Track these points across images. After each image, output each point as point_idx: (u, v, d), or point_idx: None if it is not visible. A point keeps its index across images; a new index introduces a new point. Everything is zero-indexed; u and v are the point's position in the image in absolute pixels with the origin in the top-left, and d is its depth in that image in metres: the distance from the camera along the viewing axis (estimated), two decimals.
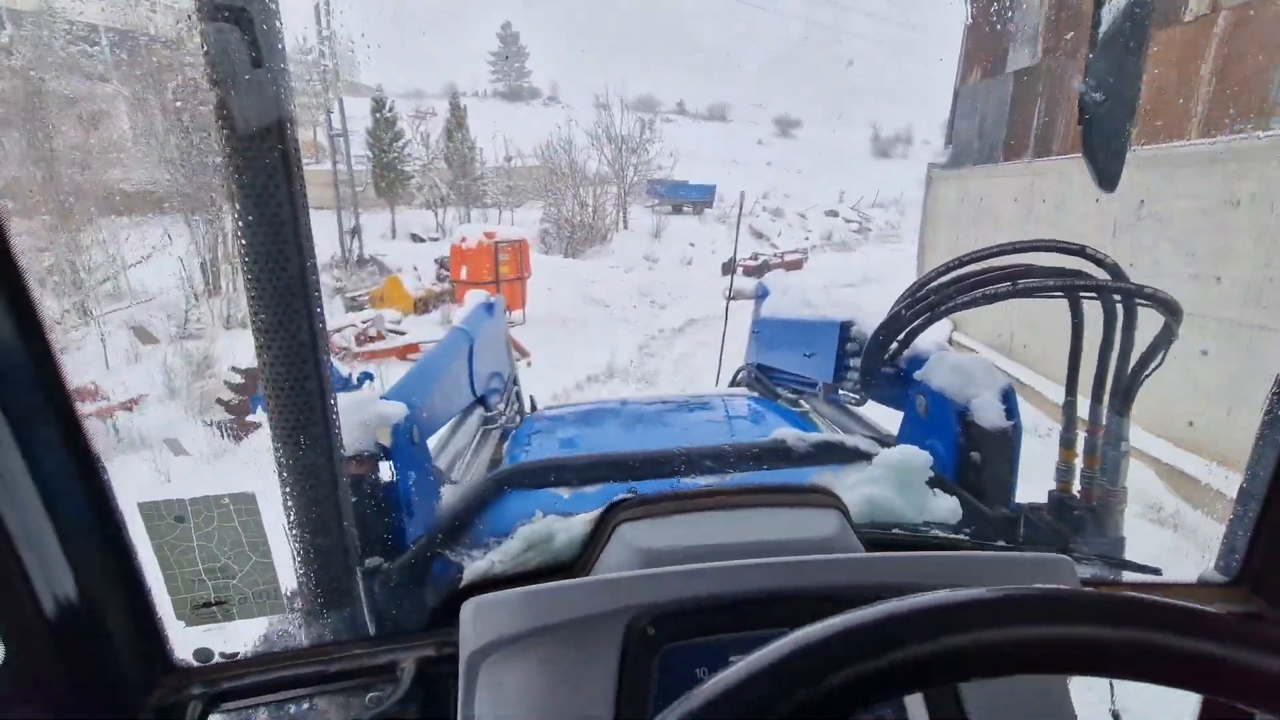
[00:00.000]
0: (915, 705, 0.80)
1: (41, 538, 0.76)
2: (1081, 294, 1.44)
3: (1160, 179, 6.63)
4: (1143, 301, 1.40)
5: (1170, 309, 1.38)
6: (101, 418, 7.02)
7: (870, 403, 2.02)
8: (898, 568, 0.87)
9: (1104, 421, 1.48)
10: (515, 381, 3.31)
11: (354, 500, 1.03)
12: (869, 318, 1.98)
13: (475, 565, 1.00)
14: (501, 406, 2.81)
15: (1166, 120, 7.12)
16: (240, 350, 8.97)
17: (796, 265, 22.80)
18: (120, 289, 11.66)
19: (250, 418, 7.37)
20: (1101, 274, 1.48)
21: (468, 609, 0.82)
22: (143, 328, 10.06)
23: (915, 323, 1.65)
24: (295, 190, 0.93)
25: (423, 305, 14.18)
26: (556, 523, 1.02)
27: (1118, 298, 1.42)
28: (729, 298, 7.50)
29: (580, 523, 1.01)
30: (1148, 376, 1.46)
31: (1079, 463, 1.50)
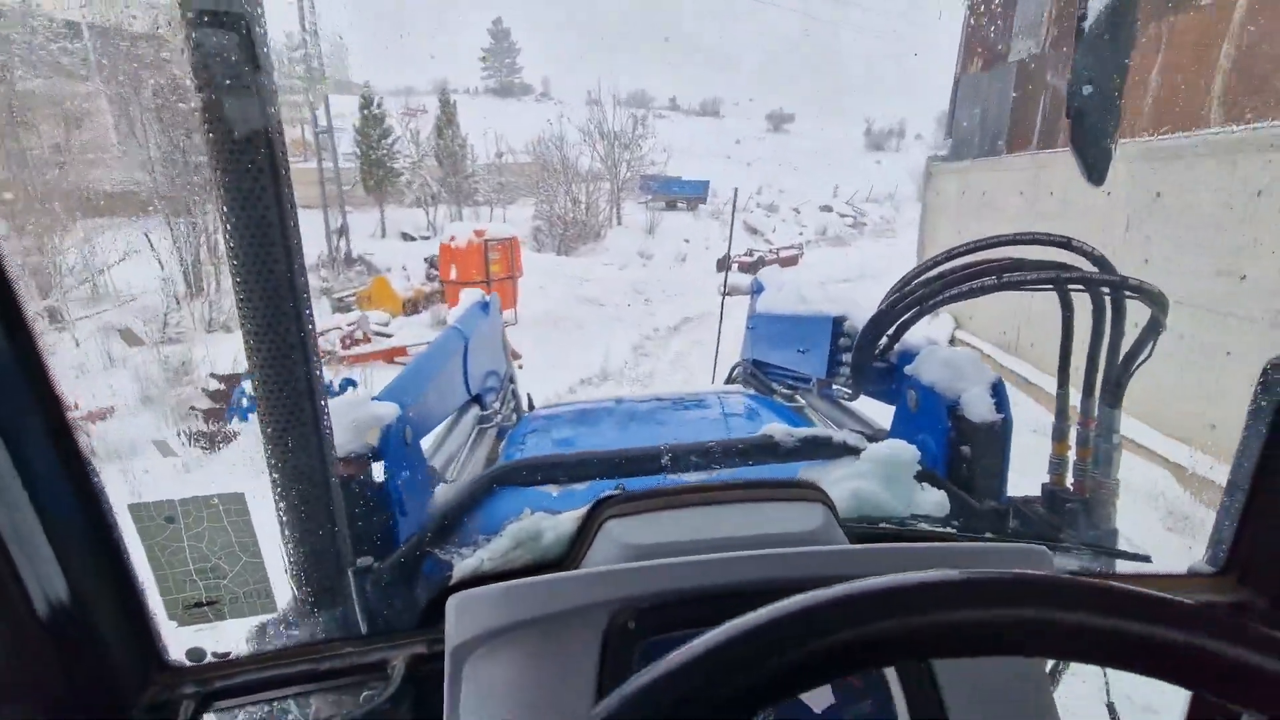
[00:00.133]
0: (894, 691, 0.82)
1: (32, 539, 0.79)
2: (1068, 286, 1.47)
3: (1178, 170, 6.46)
4: (1130, 293, 1.43)
5: (1156, 301, 1.42)
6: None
7: (866, 397, 2.05)
8: (878, 560, 0.90)
9: (1095, 414, 1.51)
10: (512, 380, 3.34)
11: (346, 500, 1.06)
12: (862, 313, 2.02)
13: (464, 563, 1.03)
14: (498, 405, 2.84)
15: (1184, 109, 6.96)
16: (221, 355, 8.90)
17: (792, 261, 22.85)
18: (99, 292, 11.62)
19: (229, 427, 7.30)
20: (1090, 266, 1.52)
21: (452, 604, 0.85)
22: (129, 330, 10.01)
23: (904, 317, 1.69)
24: (283, 192, 0.95)
25: (412, 306, 14.13)
26: (544, 520, 1.05)
27: (1105, 290, 1.45)
28: (724, 294, 7.55)
29: (568, 520, 1.04)
30: (1137, 368, 1.49)
31: (1072, 455, 1.54)
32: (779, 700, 0.39)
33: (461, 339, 2.35)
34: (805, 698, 0.84)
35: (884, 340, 1.78)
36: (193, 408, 7.68)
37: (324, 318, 11.78)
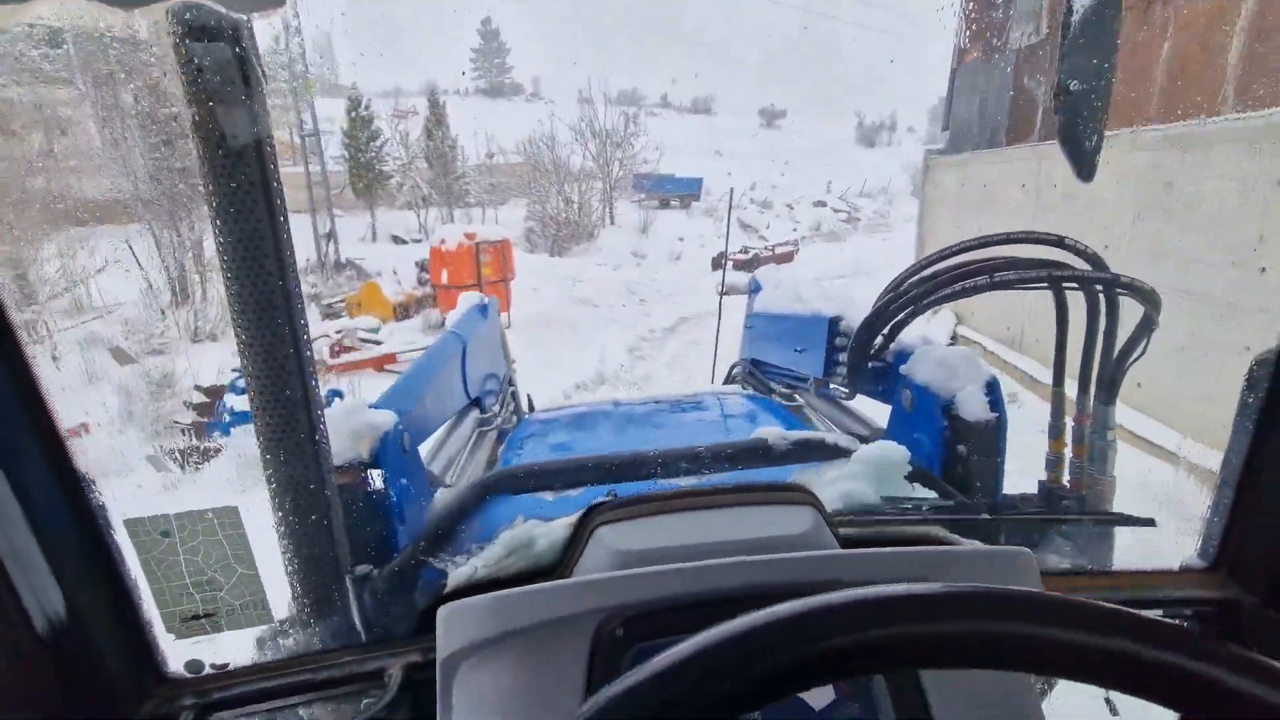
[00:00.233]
0: (881, 697, 0.84)
1: (29, 555, 0.81)
2: (1061, 285, 1.50)
3: (1191, 159, 6.30)
4: (1123, 291, 1.46)
5: (1148, 298, 1.45)
6: None
7: (864, 396, 2.08)
8: (864, 564, 0.91)
9: (1091, 411, 1.54)
10: (512, 382, 3.38)
11: (344, 508, 1.08)
12: (858, 311, 2.04)
13: (458, 571, 1.05)
14: (497, 408, 2.87)
15: (1195, 96, 6.83)
16: (206, 365, 8.83)
17: (787, 258, 22.91)
18: (80, 302, 11.56)
19: (209, 442, 7.13)
20: (1083, 264, 1.54)
21: (441, 615, 0.87)
22: (119, 348, 9.96)
23: (898, 317, 1.71)
24: (274, 202, 0.98)
25: (403, 311, 14.12)
26: (537, 527, 1.07)
27: (1099, 288, 1.48)
28: (722, 293, 7.59)
29: (560, 527, 1.06)
30: (1131, 365, 1.52)
31: (1068, 452, 1.56)
32: (761, 705, 0.41)
33: (460, 343, 2.38)
34: (804, 695, 0.86)
35: (879, 340, 1.81)
36: (174, 422, 7.54)
37: (312, 325, 11.56)
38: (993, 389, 1.51)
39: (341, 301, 14.29)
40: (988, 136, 11.65)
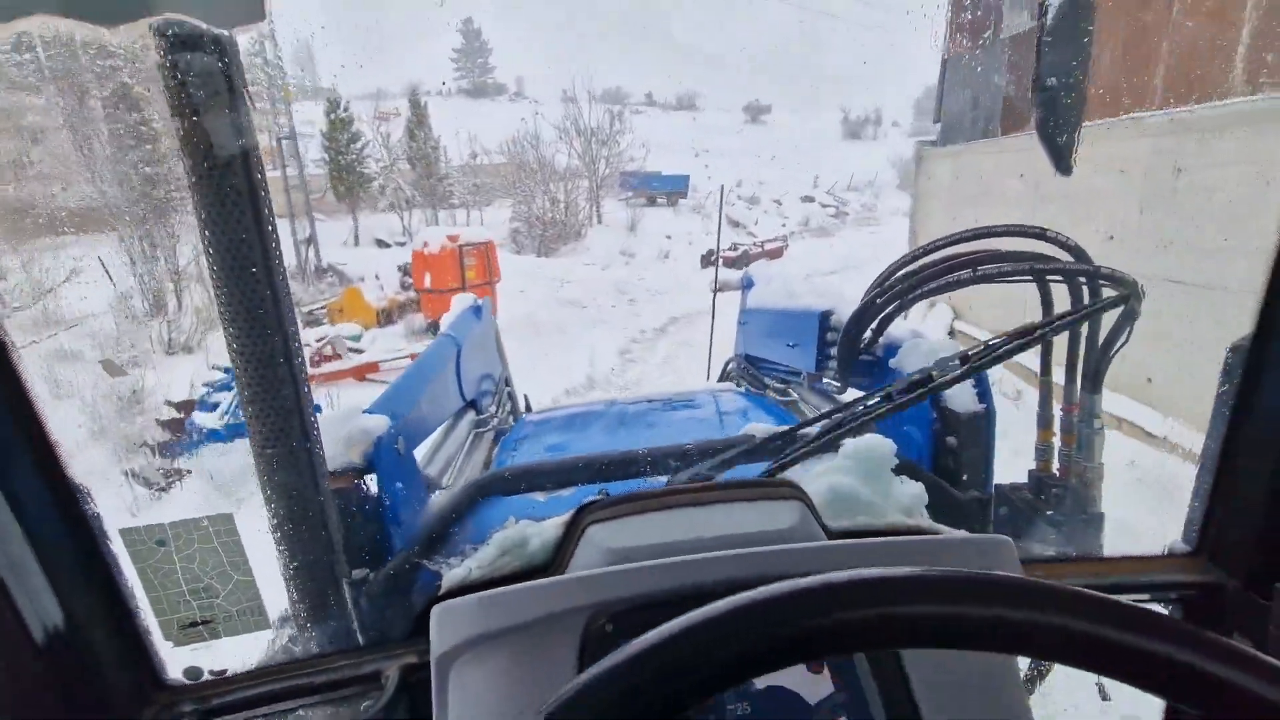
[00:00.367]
0: (864, 677, 0.89)
1: (25, 565, 0.84)
2: (1045, 277, 1.55)
3: (1200, 143, 6.18)
4: (1104, 282, 1.51)
5: (1128, 288, 1.50)
6: None
7: (855, 391, 2.13)
8: (847, 555, 0.96)
9: (1077, 400, 1.59)
10: (508, 383, 3.42)
11: (339, 513, 1.11)
12: (848, 306, 2.09)
13: (453, 573, 1.09)
14: (494, 409, 2.92)
15: (1203, 78, 6.69)
16: (179, 379, 8.69)
17: (777, 254, 23.11)
18: (49, 315, 11.44)
19: (178, 462, 6.95)
20: (1066, 256, 1.60)
21: (435, 615, 0.90)
22: (110, 360, 9.84)
23: (886, 310, 1.76)
24: (261, 211, 1.01)
25: (386, 317, 14.08)
26: (530, 527, 1.11)
27: (1081, 279, 1.53)
28: (715, 290, 7.67)
29: (552, 526, 1.10)
30: (1115, 354, 1.58)
31: (1057, 442, 1.62)
32: (716, 692, 0.45)
33: (454, 345, 2.42)
34: (796, 688, 0.90)
35: (868, 334, 1.85)
36: (143, 442, 7.32)
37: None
38: (980, 381, 1.56)
39: (323, 308, 14.23)
40: (981, 126, 11.59)
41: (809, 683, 0.90)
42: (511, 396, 3.45)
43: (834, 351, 2.15)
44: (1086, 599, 0.45)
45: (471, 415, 2.65)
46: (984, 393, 1.56)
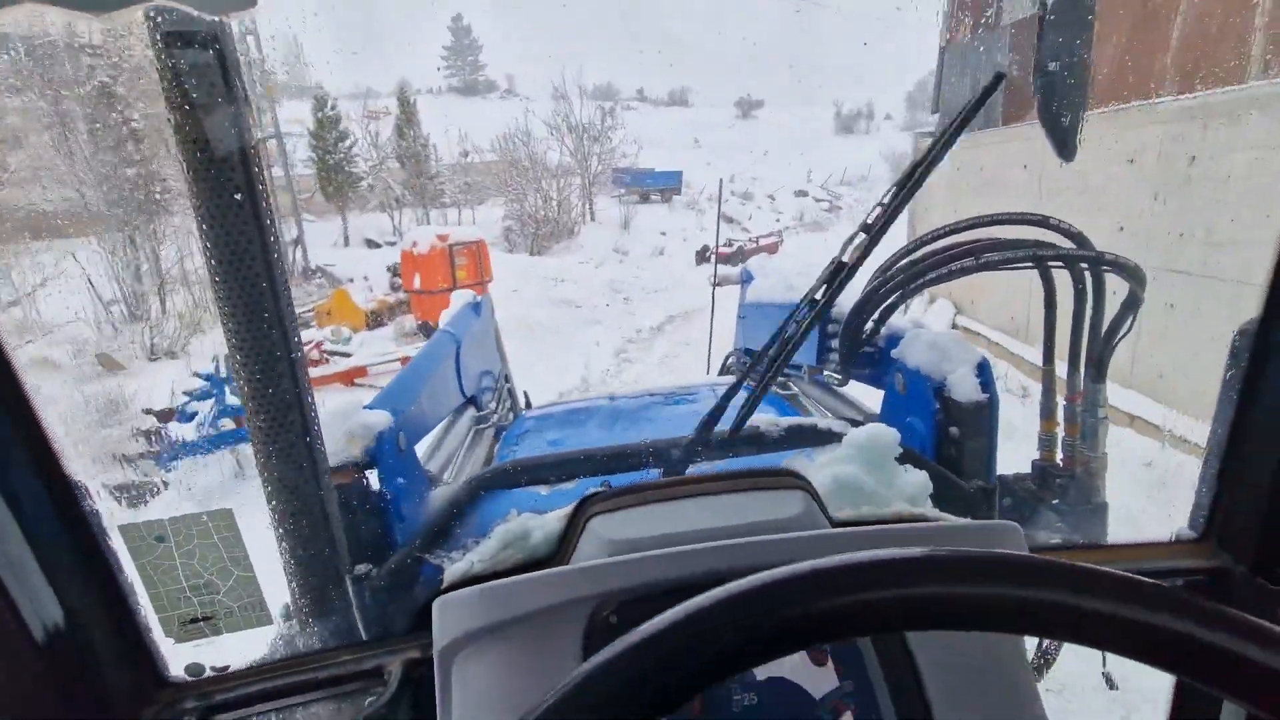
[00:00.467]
0: (871, 665, 0.90)
1: (24, 564, 0.85)
2: (1046, 264, 1.57)
3: (1216, 130, 6.03)
4: (1107, 268, 1.53)
5: (1133, 275, 1.52)
6: None
7: (858, 382, 2.15)
8: (854, 542, 0.97)
9: (1081, 389, 1.61)
10: (508, 379, 3.45)
11: (341, 509, 1.13)
12: (849, 299, 2.11)
13: (455, 567, 1.10)
14: (494, 405, 2.95)
15: (1218, 63, 6.59)
16: (161, 386, 8.56)
17: (772, 249, 23.23)
18: (29, 321, 11.34)
19: (157, 476, 6.71)
20: (1068, 243, 1.61)
21: (437, 607, 0.92)
22: (106, 354, 9.74)
23: (888, 301, 1.78)
24: (260, 207, 1.03)
25: (375, 319, 14.04)
26: (532, 520, 1.12)
27: (1084, 266, 1.54)
28: (714, 284, 7.73)
29: (555, 519, 1.12)
30: (1119, 342, 1.59)
31: (1060, 431, 1.63)
32: (706, 686, 0.45)
33: (454, 342, 2.45)
34: (800, 679, 0.91)
35: (869, 325, 1.87)
36: (121, 456, 7.08)
37: None
38: (984, 370, 1.58)
39: (310, 311, 14.18)
40: (982, 116, 11.51)
41: (813, 675, 0.91)
42: (511, 393, 3.48)
43: (835, 344, 2.17)
44: (1120, 579, 0.46)
45: (472, 411, 2.68)
46: (986, 382, 1.58)
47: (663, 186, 34.63)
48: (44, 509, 0.88)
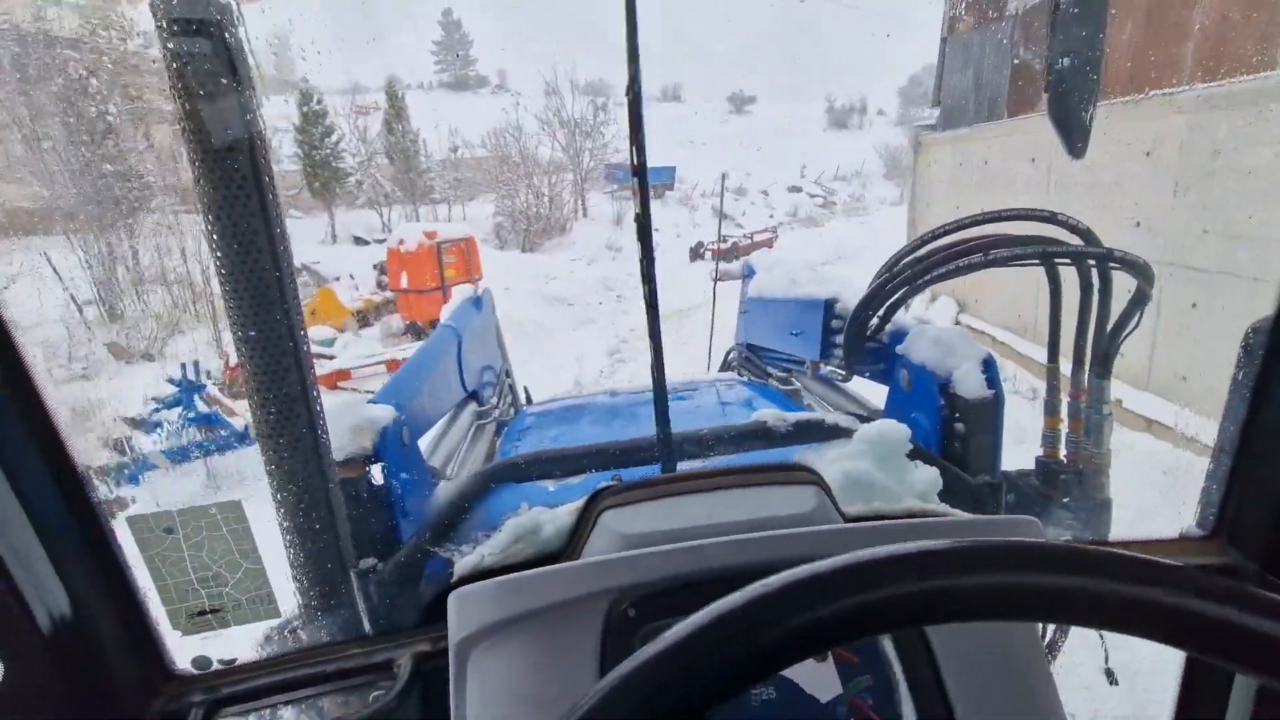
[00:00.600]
0: (890, 657, 0.92)
1: (31, 556, 0.87)
2: (1054, 260, 1.59)
3: (1242, 121, 5.88)
4: (1115, 265, 1.56)
5: (1141, 271, 1.55)
6: None
7: (860, 378, 2.18)
8: (872, 537, 0.99)
9: (1085, 386, 1.64)
10: (509, 374, 3.49)
11: (346, 503, 1.15)
12: (853, 294, 2.14)
13: (465, 560, 1.12)
14: (495, 400, 3.00)
15: (1242, 49, 6.42)
16: (138, 390, 8.40)
17: (766, 245, 23.29)
18: None
19: (117, 492, 6.46)
20: (1076, 240, 1.64)
21: (453, 600, 0.94)
22: (116, 343, 9.62)
23: (894, 298, 1.81)
24: (267, 197, 1.05)
25: (361, 319, 14.00)
26: (543, 514, 1.15)
27: (1091, 263, 1.57)
28: (715, 279, 7.80)
29: (566, 513, 1.14)
30: (1125, 338, 1.62)
31: (1064, 428, 1.66)
32: (751, 686, 0.46)
33: (455, 336, 2.48)
34: (818, 674, 0.93)
35: (874, 321, 1.90)
36: (86, 467, 6.88)
37: None
38: (989, 366, 1.62)
39: None
40: (986, 109, 11.48)
41: (831, 669, 0.93)
42: (512, 388, 3.53)
43: (839, 339, 2.20)
44: (1167, 566, 0.47)
45: (473, 406, 2.72)
46: (992, 378, 1.61)
47: (656, 182, 34.70)
48: (52, 500, 0.90)
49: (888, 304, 1.86)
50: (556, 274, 18.37)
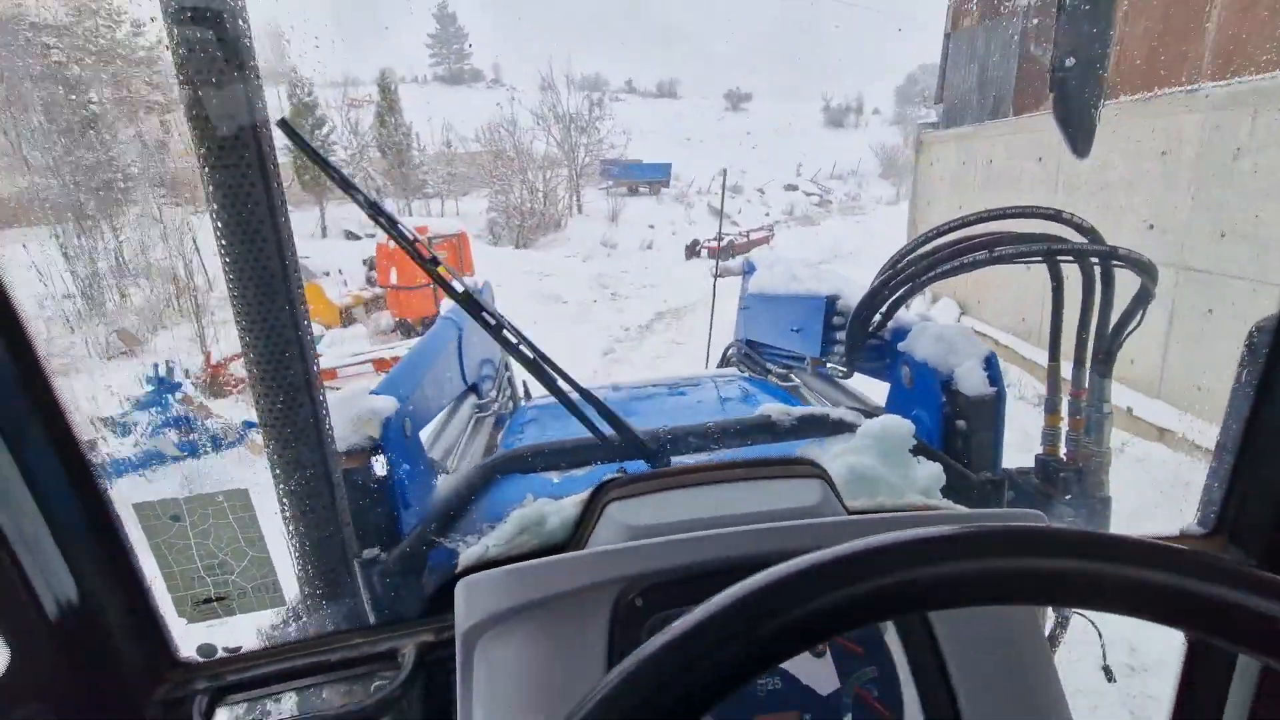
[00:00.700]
0: (894, 648, 0.95)
1: (39, 542, 0.89)
2: (1058, 258, 1.62)
3: (1268, 119, 5.75)
4: (1119, 263, 1.58)
5: (1145, 270, 1.58)
6: None
7: (859, 375, 2.21)
8: (877, 529, 1.00)
9: (1087, 385, 1.67)
10: (508, 367, 3.53)
11: (349, 494, 1.17)
12: (855, 291, 2.18)
13: (470, 550, 1.15)
14: (494, 394, 3.03)
15: (1264, 44, 6.19)
16: (116, 387, 8.16)
17: (762, 243, 23.40)
18: None
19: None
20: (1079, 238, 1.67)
21: (461, 589, 0.96)
22: (126, 330, 9.53)
23: (897, 294, 1.84)
24: (272, 187, 1.08)
25: (349, 315, 13.93)
26: (548, 505, 1.17)
27: (1095, 260, 1.60)
28: (716, 275, 7.89)
29: (571, 504, 1.17)
30: (1127, 337, 1.66)
31: (1065, 426, 1.70)
32: (755, 676, 0.47)
33: (455, 328, 2.50)
34: (823, 662, 0.95)
35: (877, 318, 1.93)
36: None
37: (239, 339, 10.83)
38: (991, 364, 1.65)
39: None
40: (991, 106, 11.42)
41: (836, 657, 0.96)
42: (511, 381, 3.56)
43: (840, 336, 2.23)
44: (1179, 551, 0.47)
45: (473, 399, 2.75)
46: (994, 376, 1.64)
47: (651, 179, 34.99)
48: (60, 487, 0.91)
49: (890, 301, 1.89)
50: (551, 270, 18.41)
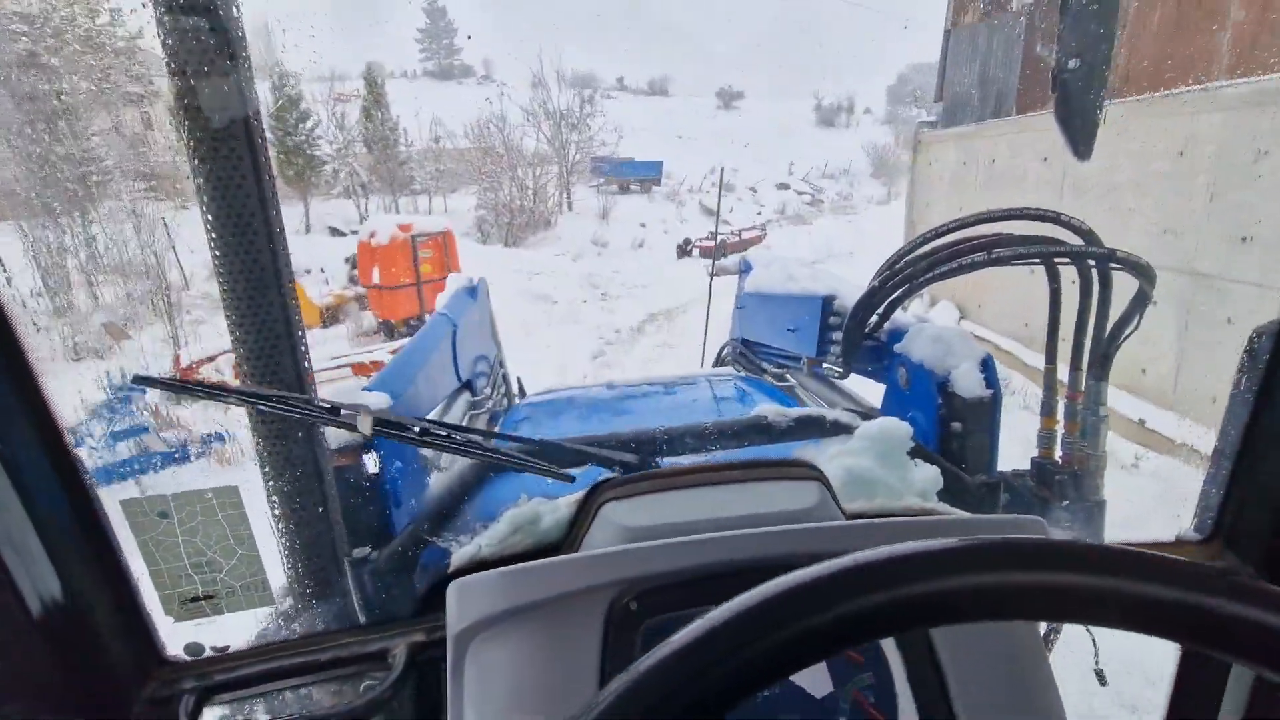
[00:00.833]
0: (893, 662, 0.96)
1: (24, 538, 0.90)
2: (1055, 260, 1.65)
3: None
4: (1117, 266, 1.62)
5: (1143, 272, 1.62)
6: None
7: (854, 376, 2.24)
8: (875, 534, 1.03)
9: (1083, 387, 1.70)
10: (502, 365, 3.57)
11: (340, 491, 1.19)
12: (851, 291, 2.21)
13: (463, 550, 1.17)
14: (489, 390, 3.06)
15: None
16: (84, 391, 7.89)
17: (755, 243, 23.53)
18: None
19: None
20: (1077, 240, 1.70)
21: (453, 590, 0.97)
22: (113, 324, 9.41)
23: (893, 295, 1.87)
24: (263, 179, 1.09)
25: (331, 315, 13.83)
26: (542, 505, 1.19)
27: (1092, 263, 1.64)
28: (712, 274, 7.91)
29: (565, 504, 1.18)
30: (1124, 340, 1.69)
31: (1060, 429, 1.73)
32: (768, 684, 0.46)
33: (450, 325, 2.53)
34: (806, 685, 0.97)
35: (874, 319, 1.96)
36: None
37: (218, 339, 10.30)
38: (987, 366, 1.69)
39: None
40: (993, 105, 11.35)
41: (833, 664, 0.97)
42: (505, 379, 3.59)
43: (836, 336, 2.26)
44: (1177, 564, 0.48)
45: (467, 396, 2.78)
46: (990, 379, 1.68)
47: (642, 177, 35.12)
48: (46, 482, 0.93)
49: (888, 301, 1.92)
50: (540, 270, 18.39)
